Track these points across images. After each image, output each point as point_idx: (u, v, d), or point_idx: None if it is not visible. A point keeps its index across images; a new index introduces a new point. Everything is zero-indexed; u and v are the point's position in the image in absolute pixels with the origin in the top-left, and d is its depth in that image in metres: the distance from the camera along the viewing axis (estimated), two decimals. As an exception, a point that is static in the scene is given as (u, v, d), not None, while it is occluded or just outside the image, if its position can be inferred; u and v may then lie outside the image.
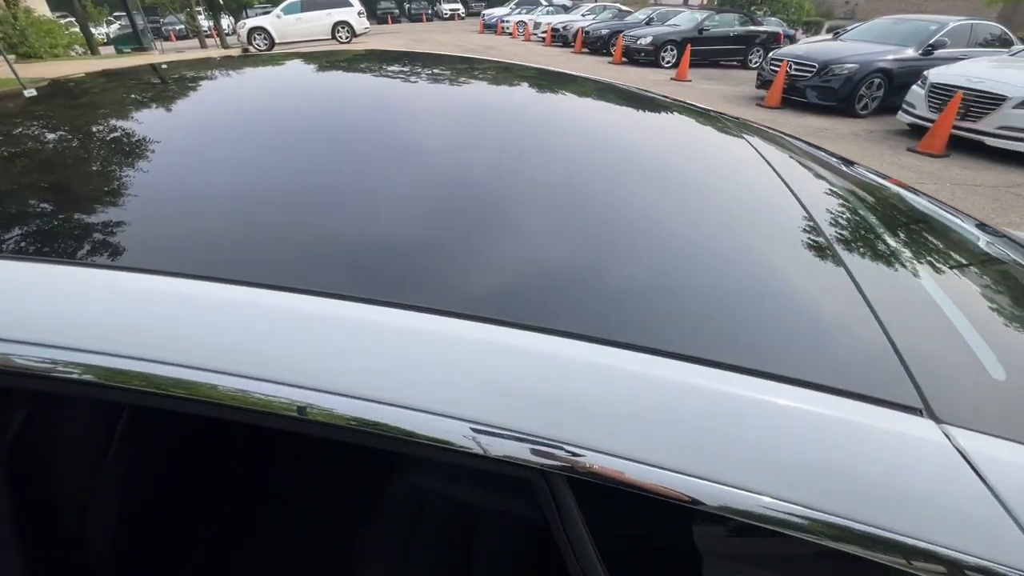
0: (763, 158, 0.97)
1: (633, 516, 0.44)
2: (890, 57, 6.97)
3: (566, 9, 21.97)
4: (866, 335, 0.51)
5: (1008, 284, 0.76)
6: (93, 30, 17.56)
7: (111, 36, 18.88)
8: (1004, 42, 7.39)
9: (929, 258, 0.75)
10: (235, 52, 15.79)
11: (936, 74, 5.78)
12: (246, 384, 0.41)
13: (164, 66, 1.19)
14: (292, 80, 1.12)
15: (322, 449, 0.97)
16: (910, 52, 7.03)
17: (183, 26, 22.56)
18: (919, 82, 6.00)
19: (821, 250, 0.67)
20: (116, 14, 19.95)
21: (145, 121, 0.82)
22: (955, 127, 5.34)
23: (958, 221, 0.98)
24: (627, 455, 0.39)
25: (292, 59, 1.29)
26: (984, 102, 5.21)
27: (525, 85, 1.24)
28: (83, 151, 0.71)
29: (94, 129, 0.79)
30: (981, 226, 1.02)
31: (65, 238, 0.51)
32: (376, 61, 1.31)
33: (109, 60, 13.41)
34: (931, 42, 7.02)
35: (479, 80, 1.21)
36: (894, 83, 6.88)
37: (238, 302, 0.44)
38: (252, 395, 0.41)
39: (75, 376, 0.42)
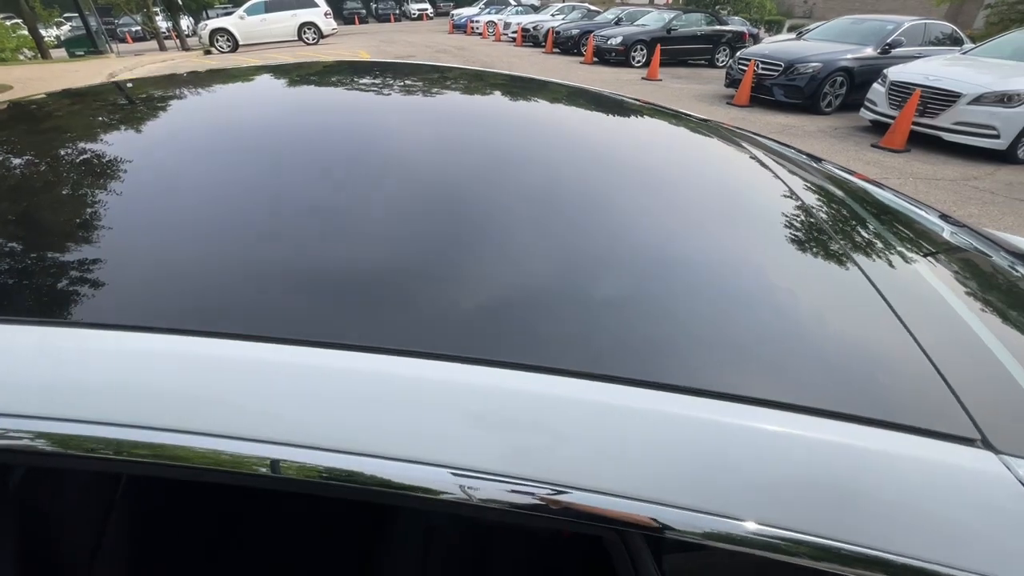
0: (764, 167, 0.95)
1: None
2: (850, 56, 7.23)
3: (535, 9, 22.08)
4: (908, 358, 0.48)
5: (1013, 292, 0.77)
6: (42, 32, 16.71)
7: (61, 38, 17.98)
8: (954, 40, 7.75)
9: (941, 268, 0.73)
10: (196, 54, 15.29)
11: (895, 72, 6.02)
12: (217, 443, 0.39)
13: (130, 84, 1.13)
14: (265, 106, 1.03)
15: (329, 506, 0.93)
16: (869, 51, 7.31)
17: (139, 27, 21.68)
18: (879, 80, 6.24)
19: (845, 266, 0.65)
20: (67, 15, 19.00)
21: (101, 155, 0.75)
22: (914, 123, 5.57)
23: (941, 222, 0.99)
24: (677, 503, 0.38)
25: (263, 75, 1.21)
26: (941, 99, 5.45)
27: (502, 97, 1.19)
28: (31, 192, 0.64)
29: (45, 166, 0.72)
30: (952, 222, 1.03)
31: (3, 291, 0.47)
32: (350, 75, 1.24)
33: (63, 64, 12.80)
34: (888, 41, 7.31)
35: (455, 95, 1.15)
36: (855, 81, 7.15)
37: (196, 355, 0.42)
38: (222, 453, 0.39)
39: (24, 444, 0.39)
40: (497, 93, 1.22)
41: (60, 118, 0.96)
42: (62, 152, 0.76)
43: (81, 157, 0.74)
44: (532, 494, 0.39)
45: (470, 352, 0.43)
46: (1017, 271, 0.84)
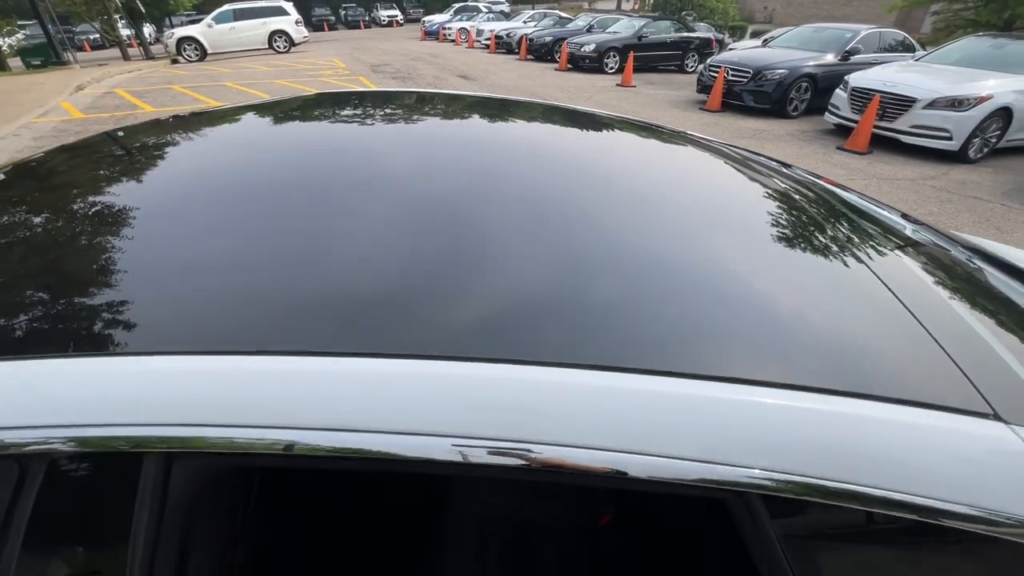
0: (757, 182, 1.04)
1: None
2: (812, 63, 7.65)
3: (505, 16, 22.24)
4: (919, 342, 0.58)
5: (989, 291, 0.89)
6: (-2, 41, 16.02)
7: (15, 47, 17.18)
8: (906, 47, 8.25)
9: (920, 261, 0.85)
10: (163, 63, 14.90)
11: (856, 78, 6.41)
12: (263, 433, 0.47)
13: (121, 133, 1.17)
14: (257, 147, 1.07)
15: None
16: (830, 57, 7.74)
17: (98, 35, 20.92)
18: (842, 86, 6.63)
19: (846, 259, 0.76)
20: (20, 23, 18.14)
21: (111, 200, 0.83)
22: (875, 127, 5.95)
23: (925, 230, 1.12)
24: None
25: (250, 113, 1.26)
26: (898, 104, 5.84)
27: (497, 125, 1.24)
28: (52, 238, 0.72)
29: (58, 223, 0.79)
30: (912, 220, 1.15)
31: (57, 328, 0.57)
32: (337, 108, 1.28)
33: (27, 76, 12.33)
34: (847, 48, 7.76)
35: (445, 123, 1.20)
36: (819, 86, 7.56)
37: (239, 369, 0.50)
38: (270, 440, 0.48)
39: (71, 449, 0.48)
40: (491, 121, 1.27)
41: (62, 173, 1.00)
42: (70, 208, 0.83)
43: (89, 210, 0.81)
44: (516, 452, 0.47)
45: (461, 352, 0.53)
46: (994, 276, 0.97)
